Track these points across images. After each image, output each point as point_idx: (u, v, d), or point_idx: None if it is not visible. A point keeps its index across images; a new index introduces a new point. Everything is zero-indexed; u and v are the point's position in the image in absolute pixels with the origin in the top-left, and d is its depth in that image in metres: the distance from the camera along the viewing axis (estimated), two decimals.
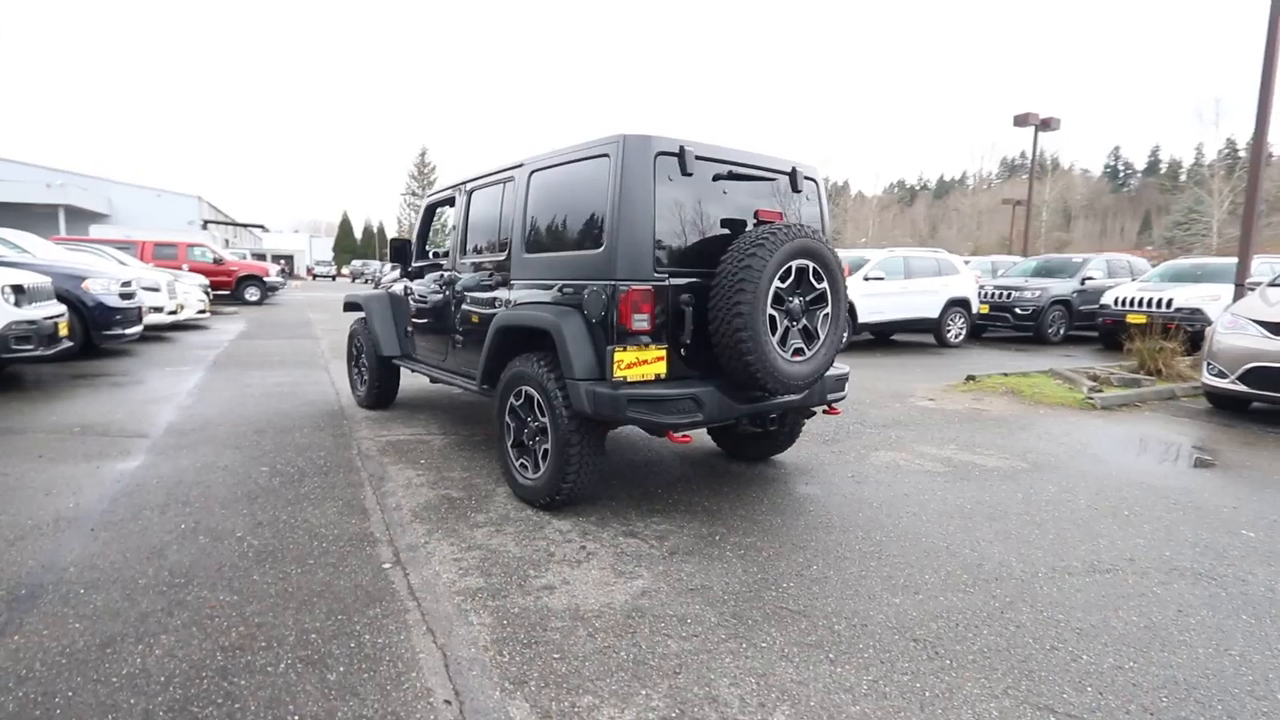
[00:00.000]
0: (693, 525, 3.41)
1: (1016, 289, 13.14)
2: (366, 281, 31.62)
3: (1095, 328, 12.35)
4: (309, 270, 61.60)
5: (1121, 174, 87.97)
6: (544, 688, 2.06)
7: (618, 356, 3.09)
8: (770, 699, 2.03)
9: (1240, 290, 8.89)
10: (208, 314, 14.14)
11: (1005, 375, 8.13)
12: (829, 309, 3.46)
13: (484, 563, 2.94)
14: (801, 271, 3.31)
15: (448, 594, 2.65)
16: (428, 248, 5.28)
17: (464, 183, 4.56)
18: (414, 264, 5.18)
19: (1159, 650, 2.35)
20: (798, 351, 3.36)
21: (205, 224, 39.11)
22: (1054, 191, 59.72)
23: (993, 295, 13.30)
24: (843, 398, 4.00)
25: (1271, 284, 6.84)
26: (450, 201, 4.95)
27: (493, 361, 3.87)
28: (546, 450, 3.45)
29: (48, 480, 3.85)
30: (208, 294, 14.49)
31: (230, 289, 19.51)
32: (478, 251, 4.38)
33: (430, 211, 5.18)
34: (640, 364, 3.15)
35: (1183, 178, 68.96)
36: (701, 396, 3.18)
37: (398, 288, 5.51)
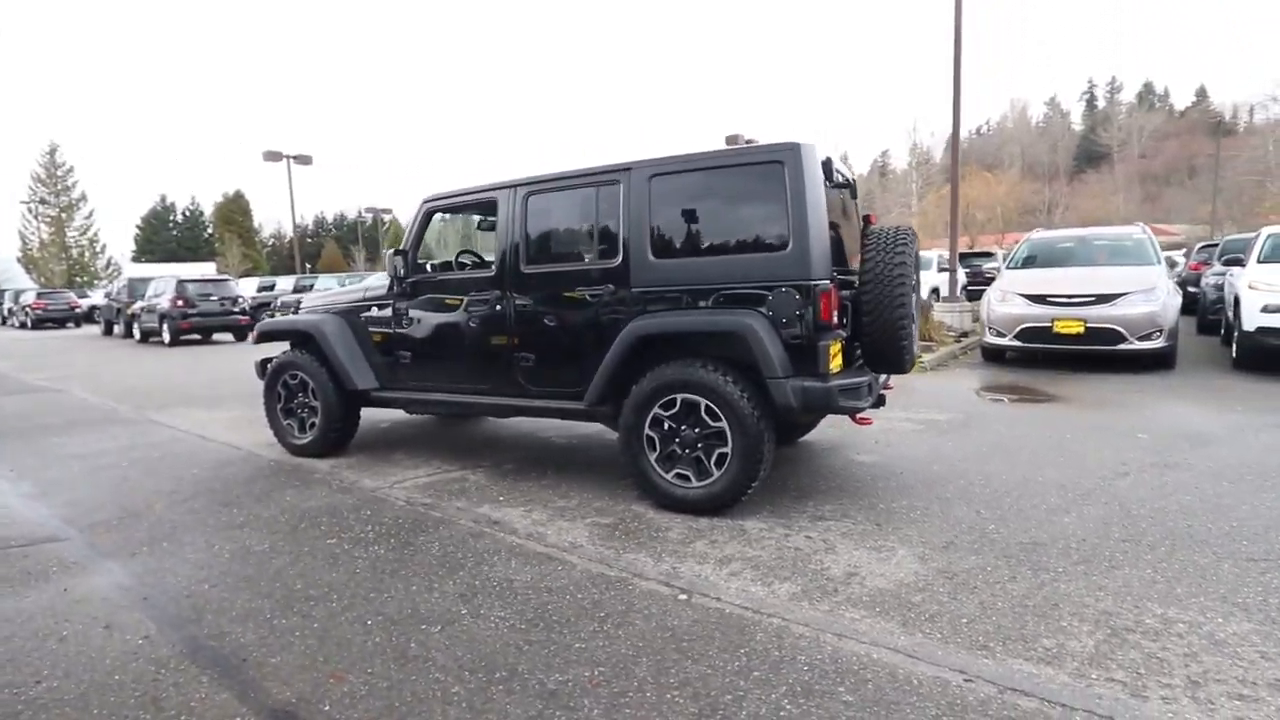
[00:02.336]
0: (841, 500, 3.71)
1: None
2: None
3: None
4: None
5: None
6: (1007, 640, 2.26)
7: (831, 351, 3.27)
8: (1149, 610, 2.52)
9: (952, 274, 12.12)
10: None
11: None
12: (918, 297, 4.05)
13: (765, 571, 2.88)
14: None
15: (791, 603, 2.59)
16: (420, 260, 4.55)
17: (512, 185, 4.09)
18: (411, 278, 4.43)
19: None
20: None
21: None
22: None
23: None
24: None
25: (1010, 267, 9.39)
26: (477, 207, 4.37)
27: (619, 375, 3.65)
28: (724, 455, 3.43)
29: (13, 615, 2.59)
30: None
31: None
32: (556, 259, 4.01)
33: (428, 218, 4.47)
34: (835, 357, 3.37)
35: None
36: (871, 382, 3.52)
37: (373, 311, 4.63)
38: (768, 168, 3.39)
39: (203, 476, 4.52)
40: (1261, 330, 7.14)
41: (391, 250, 4.39)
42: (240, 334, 15.44)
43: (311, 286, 20.72)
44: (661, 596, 2.68)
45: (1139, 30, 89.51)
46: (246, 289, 20.01)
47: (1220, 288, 10.25)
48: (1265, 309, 7.12)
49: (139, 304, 16.07)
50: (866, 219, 3.90)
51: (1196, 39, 79.30)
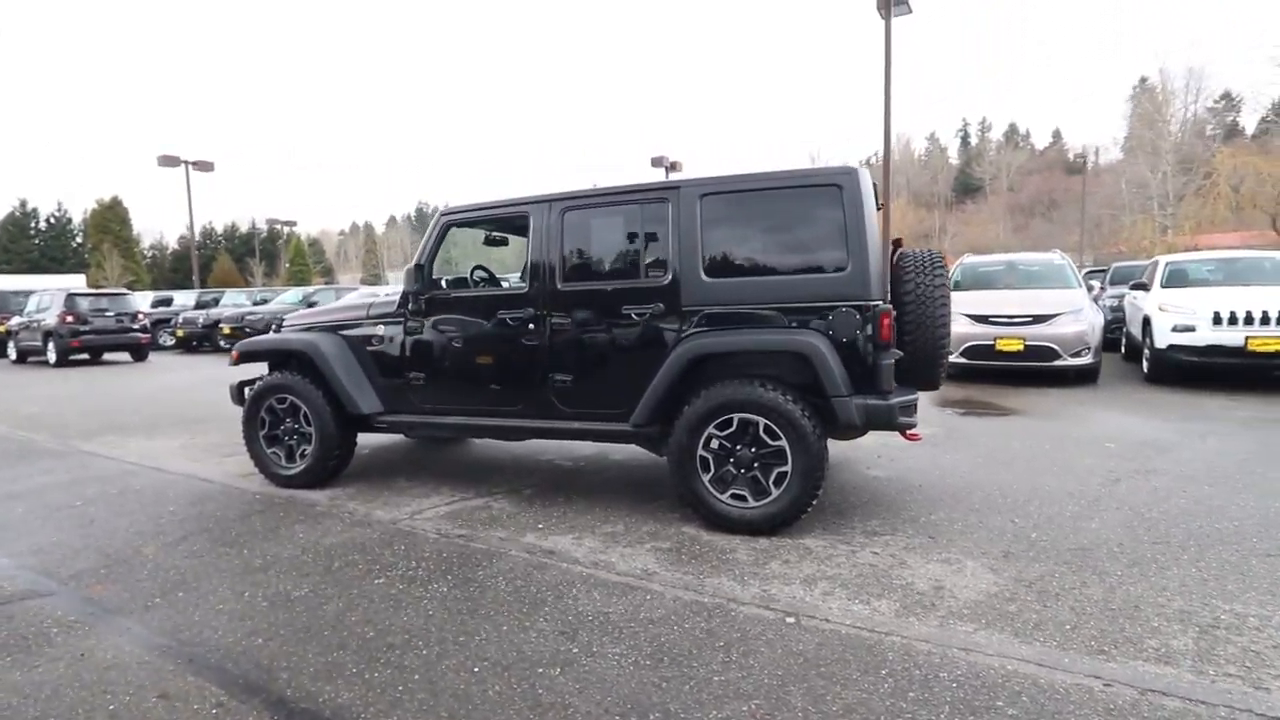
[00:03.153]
0: (882, 515, 3.80)
1: None
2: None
3: None
4: None
5: None
6: (1103, 637, 2.37)
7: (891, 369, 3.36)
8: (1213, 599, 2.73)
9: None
10: None
11: None
12: None
13: (855, 589, 2.90)
14: None
15: (899, 620, 2.61)
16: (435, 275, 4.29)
17: (546, 200, 3.95)
18: (428, 294, 4.17)
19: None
20: None
21: None
22: None
23: None
24: None
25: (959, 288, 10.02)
26: (502, 222, 4.18)
27: (670, 395, 3.59)
28: (784, 474, 3.43)
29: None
30: None
31: None
32: (597, 277, 3.90)
33: (445, 232, 4.23)
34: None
35: None
36: (916, 399, 3.65)
37: (379, 329, 4.32)
38: (825, 190, 3.47)
39: (185, 514, 4.03)
40: (1172, 347, 7.99)
41: (413, 265, 4.11)
42: (139, 353, 14.01)
43: (216, 302, 19.15)
44: (768, 621, 2.64)
45: (1006, 75, 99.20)
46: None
47: (1117, 309, 11.43)
48: (1175, 328, 7.98)
49: (15, 319, 14.25)
50: (896, 242, 4.05)
51: (1052, 86, 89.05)
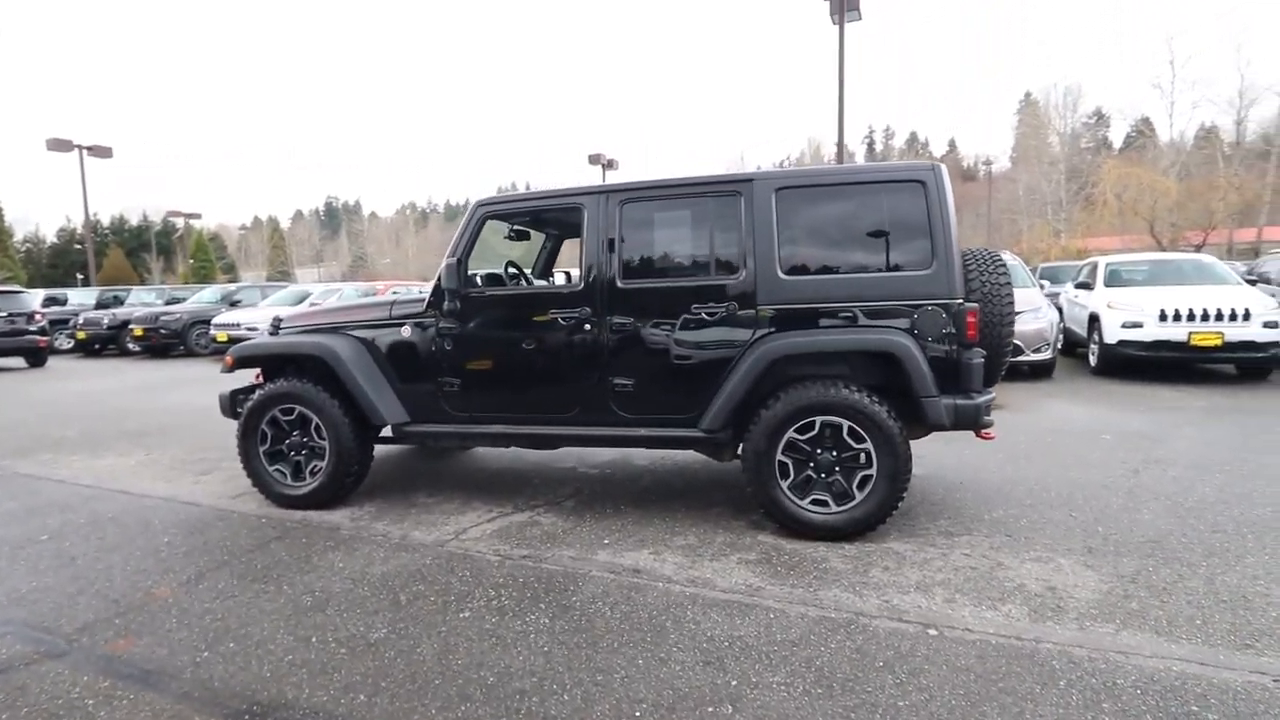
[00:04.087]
0: (947, 516, 3.77)
1: None
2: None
3: None
4: None
5: None
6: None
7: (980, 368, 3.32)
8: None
9: None
10: None
11: None
12: None
13: (973, 595, 2.83)
14: None
15: (1037, 625, 2.55)
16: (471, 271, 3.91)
17: (603, 191, 3.67)
18: (465, 292, 3.79)
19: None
20: None
21: None
22: None
23: None
24: None
25: None
26: (549, 214, 3.85)
27: (750, 397, 3.41)
28: (867, 477, 3.34)
29: None
30: None
31: None
32: (663, 274, 3.65)
33: (482, 224, 3.86)
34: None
35: None
36: (993, 397, 3.62)
37: (404, 331, 3.90)
38: (908, 186, 3.39)
39: (188, 546, 3.50)
40: (1122, 343, 8.55)
41: (453, 261, 3.72)
42: (37, 358, 12.43)
43: (120, 300, 17.30)
44: (911, 635, 2.52)
45: (906, 87, 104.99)
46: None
47: (1058, 308, 12.18)
48: (1124, 325, 8.55)
49: None
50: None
51: (949, 99, 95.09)
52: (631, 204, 3.67)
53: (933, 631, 2.53)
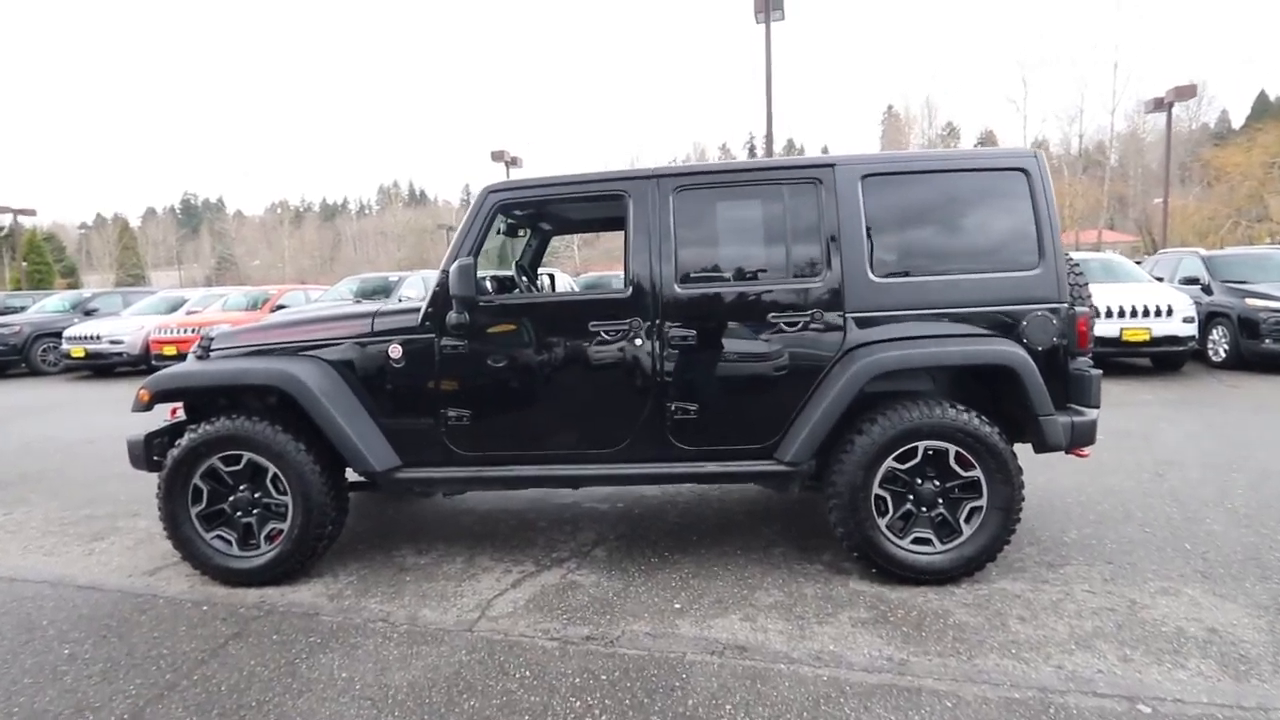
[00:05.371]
0: (1031, 542, 3.43)
1: None
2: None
3: None
4: None
5: None
6: None
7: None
8: None
9: None
10: None
11: None
12: None
13: (1148, 651, 2.44)
14: None
15: (1244, 686, 2.19)
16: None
17: (652, 175, 2.98)
18: (476, 300, 2.98)
19: None
20: None
21: None
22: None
23: None
24: None
25: None
26: (579, 202, 3.10)
27: (843, 421, 2.87)
28: (977, 508, 2.89)
29: None
30: None
31: None
32: (729, 277, 3.02)
33: (493, 216, 3.05)
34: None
35: None
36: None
37: (393, 350, 3.03)
38: (1008, 175, 2.97)
39: (102, 659, 2.48)
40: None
41: (469, 261, 2.89)
42: None
43: (22, 308, 14.17)
44: (1119, 714, 2.07)
45: (785, 94, 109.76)
46: None
47: None
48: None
49: None
50: None
51: (820, 108, 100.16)
52: (686, 191, 3.02)
53: (1146, 710, 2.10)
